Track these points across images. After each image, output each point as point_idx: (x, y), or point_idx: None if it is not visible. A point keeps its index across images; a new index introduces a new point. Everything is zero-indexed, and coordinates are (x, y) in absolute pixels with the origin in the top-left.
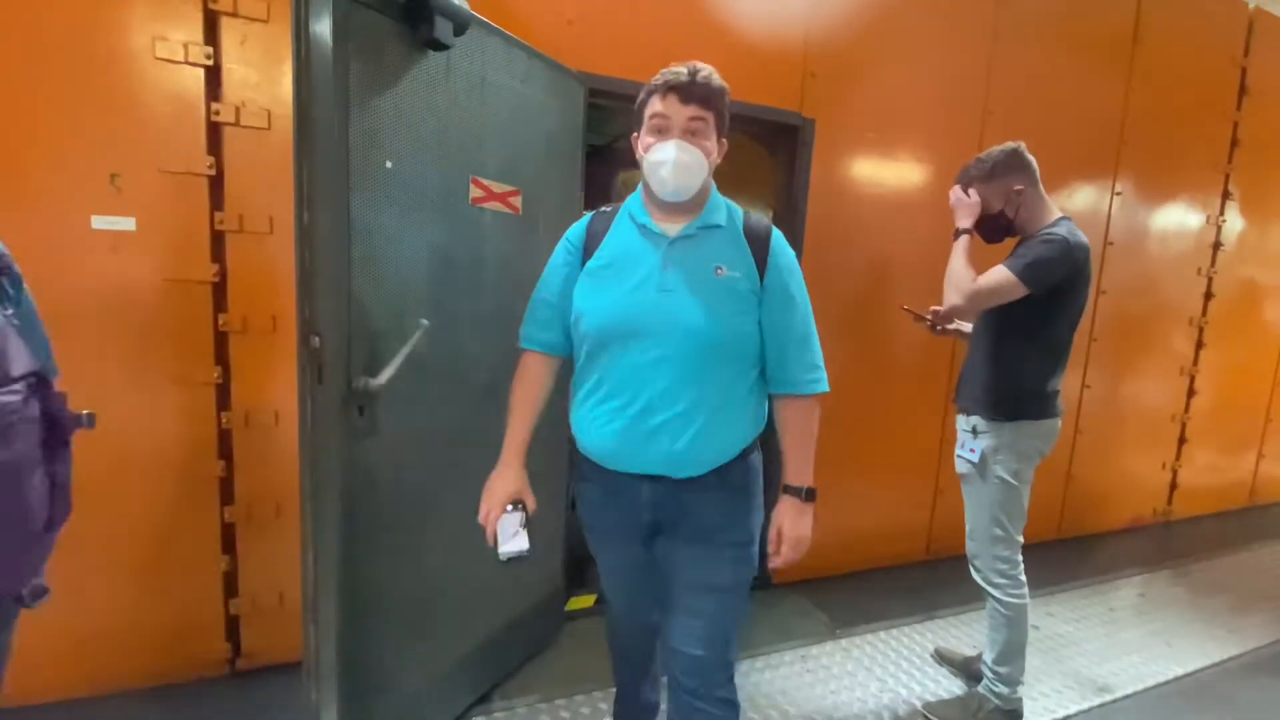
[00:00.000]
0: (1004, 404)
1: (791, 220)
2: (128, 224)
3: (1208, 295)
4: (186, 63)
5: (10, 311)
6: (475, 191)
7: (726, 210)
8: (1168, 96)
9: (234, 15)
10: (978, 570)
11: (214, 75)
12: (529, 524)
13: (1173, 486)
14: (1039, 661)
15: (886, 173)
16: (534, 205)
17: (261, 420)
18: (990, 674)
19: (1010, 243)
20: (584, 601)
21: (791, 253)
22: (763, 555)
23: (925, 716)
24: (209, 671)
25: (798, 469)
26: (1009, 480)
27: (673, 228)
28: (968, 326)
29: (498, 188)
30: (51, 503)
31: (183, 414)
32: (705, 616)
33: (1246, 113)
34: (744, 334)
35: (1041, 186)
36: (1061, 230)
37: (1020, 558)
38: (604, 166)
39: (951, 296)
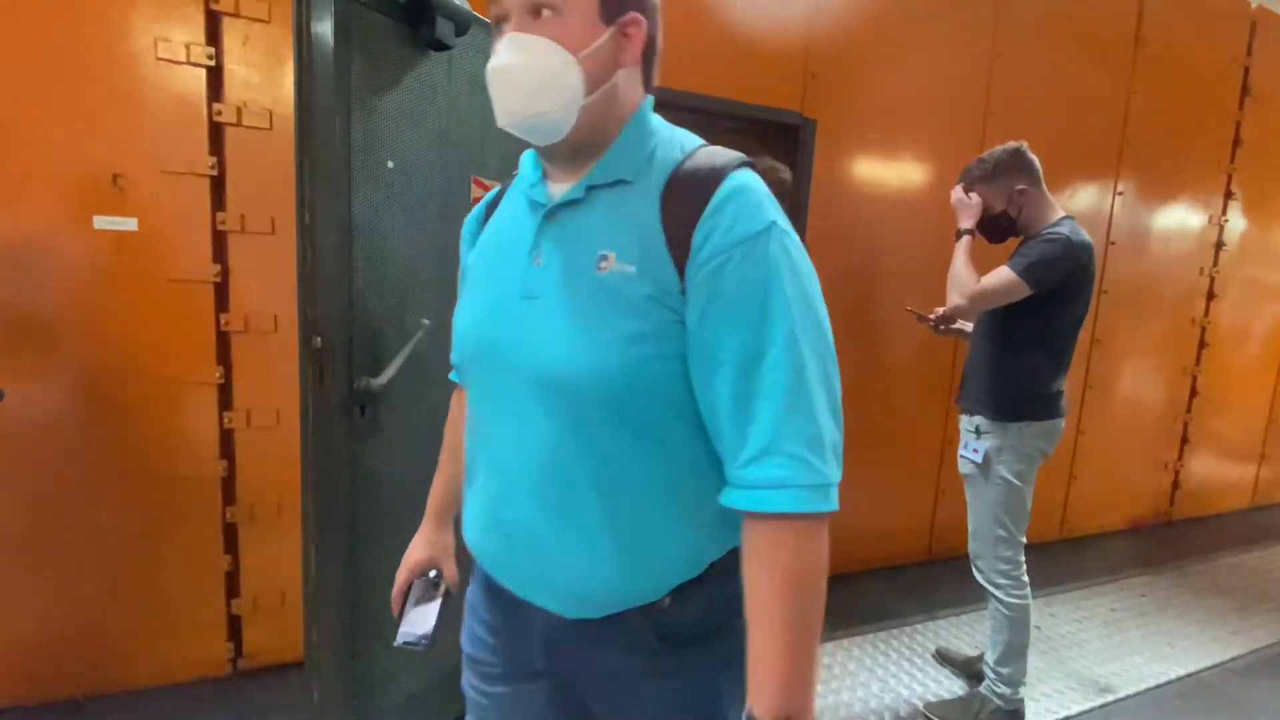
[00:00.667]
0: (1008, 404)
1: (793, 221)
2: (130, 224)
3: (1210, 295)
4: (188, 63)
5: None
6: (477, 191)
7: (652, 154)
8: (1170, 96)
9: (236, 16)
10: (980, 571)
11: (216, 76)
12: (447, 600)
13: (1175, 487)
14: (1041, 662)
15: (888, 173)
16: None
17: (263, 420)
18: (992, 674)
19: (1014, 243)
20: None
21: (765, 224)
22: None
23: (927, 717)
24: (211, 671)
25: (762, 674)
26: (1012, 481)
27: (558, 190)
28: (969, 326)
29: None
30: None
31: (184, 414)
32: None
33: (1249, 112)
34: (650, 378)
35: (1044, 186)
36: (1064, 229)
37: (1023, 558)
38: None
39: (954, 297)
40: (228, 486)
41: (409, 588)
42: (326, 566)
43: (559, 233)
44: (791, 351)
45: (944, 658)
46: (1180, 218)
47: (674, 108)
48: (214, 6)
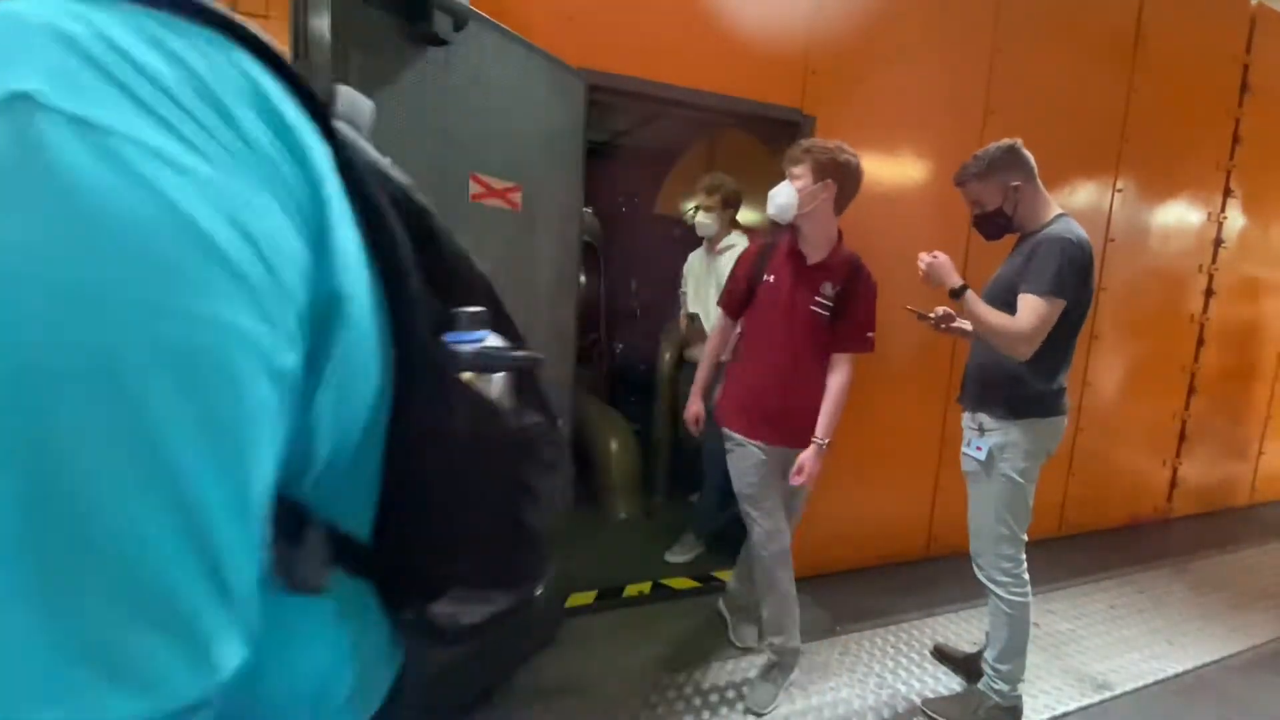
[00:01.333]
0: (1012, 402)
1: None
2: None
3: (1209, 292)
4: None
5: None
6: (475, 188)
7: None
8: (1169, 93)
9: (233, 10)
10: (981, 568)
11: None
12: None
13: (1173, 484)
14: (1039, 658)
15: (887, 170)
16: (534, 202)
17: None
18: (991, 671)
19: (1010, 240)
20: (584, 598)
21: None
22: None
23: (925, 713)
24: None
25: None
26: (1016, 478)
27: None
28: (970, 325)
29: (498, 184)
30: None
31: None
32: None
33: (1248, 110)
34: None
35: (1039, 182)
36: (1061, 230)
37: (1024, 556)
38: (605, 163)
39: (1018, 349)
40: None
41: None
42: None
43: None
44: None
45: (942, 654)
46: (1179, 215)
47: (673, 104)
48: None
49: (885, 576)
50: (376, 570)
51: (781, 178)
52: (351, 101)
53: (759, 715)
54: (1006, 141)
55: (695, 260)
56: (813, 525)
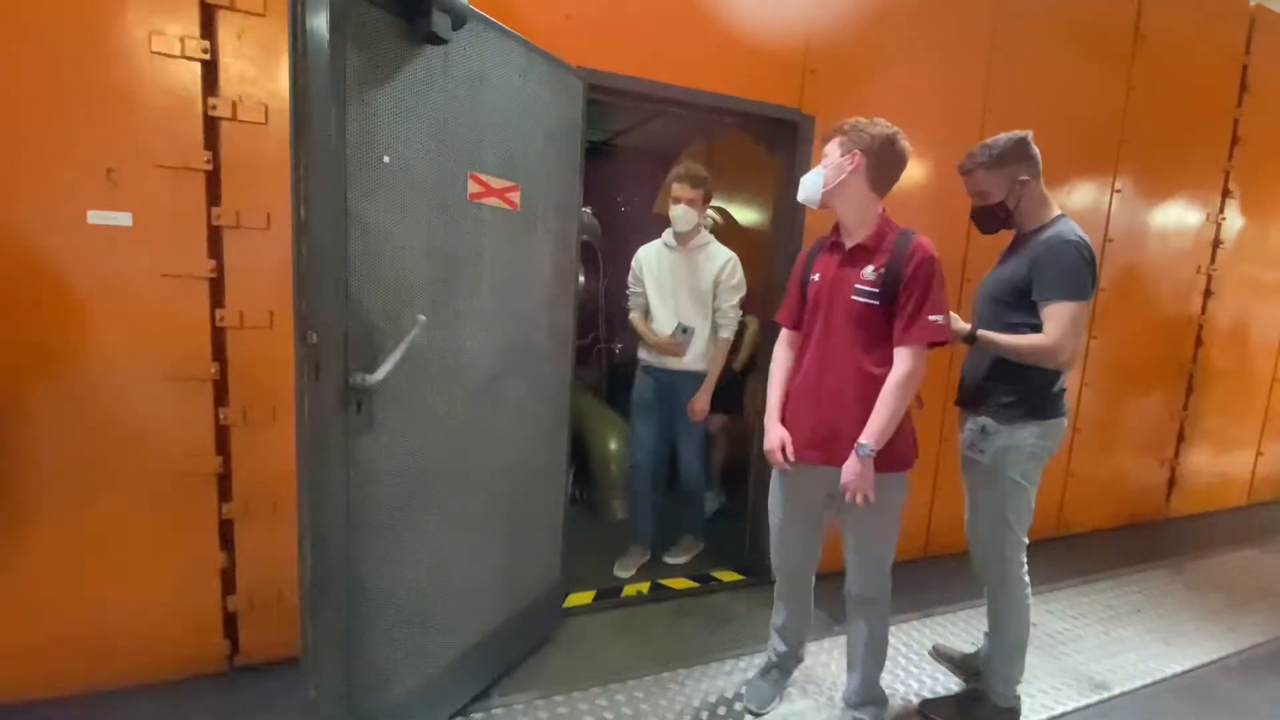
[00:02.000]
0: (1015, 404)
1: (791, 218)
2: (124, 219)
3: (1207, 293)
4: (183, 57)
5: None
6: (473, 187)
7: None
8: (1168, 93)
9: (231, 9)
10: (981, 569)
11: (211, 69)
12: None
13: (1171, 484)
14: (1037, 658)
15: None
16: (533, 201)
17: (259, 416)
18: (989, 672)
19: (1004, 236)
20: (583, 598)
21: None
22: None
23: (923, 714)
24: (207, 668)
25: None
26: (1019, 480)
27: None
28: (965, 327)
29: (496, 183)
30: None
31: (180, 410)
32: None
33: (1247, 110)
34: None
35: (1043, 182)
36: (1067, 232)
37: (1024, 558)
38: (603, 162)
39: (1059, 360)
40: (223, 483)
41: None
42: (323, 563)
43: None
44: None
45: (940, 655)
46: (1178, 215)
47: (672, 103)
48: (209, 0)
49: None
50: None
51: (777, 178)
52: None
53: (756, 715)
54: (1018, 133)
55: (656, 257)
56: None
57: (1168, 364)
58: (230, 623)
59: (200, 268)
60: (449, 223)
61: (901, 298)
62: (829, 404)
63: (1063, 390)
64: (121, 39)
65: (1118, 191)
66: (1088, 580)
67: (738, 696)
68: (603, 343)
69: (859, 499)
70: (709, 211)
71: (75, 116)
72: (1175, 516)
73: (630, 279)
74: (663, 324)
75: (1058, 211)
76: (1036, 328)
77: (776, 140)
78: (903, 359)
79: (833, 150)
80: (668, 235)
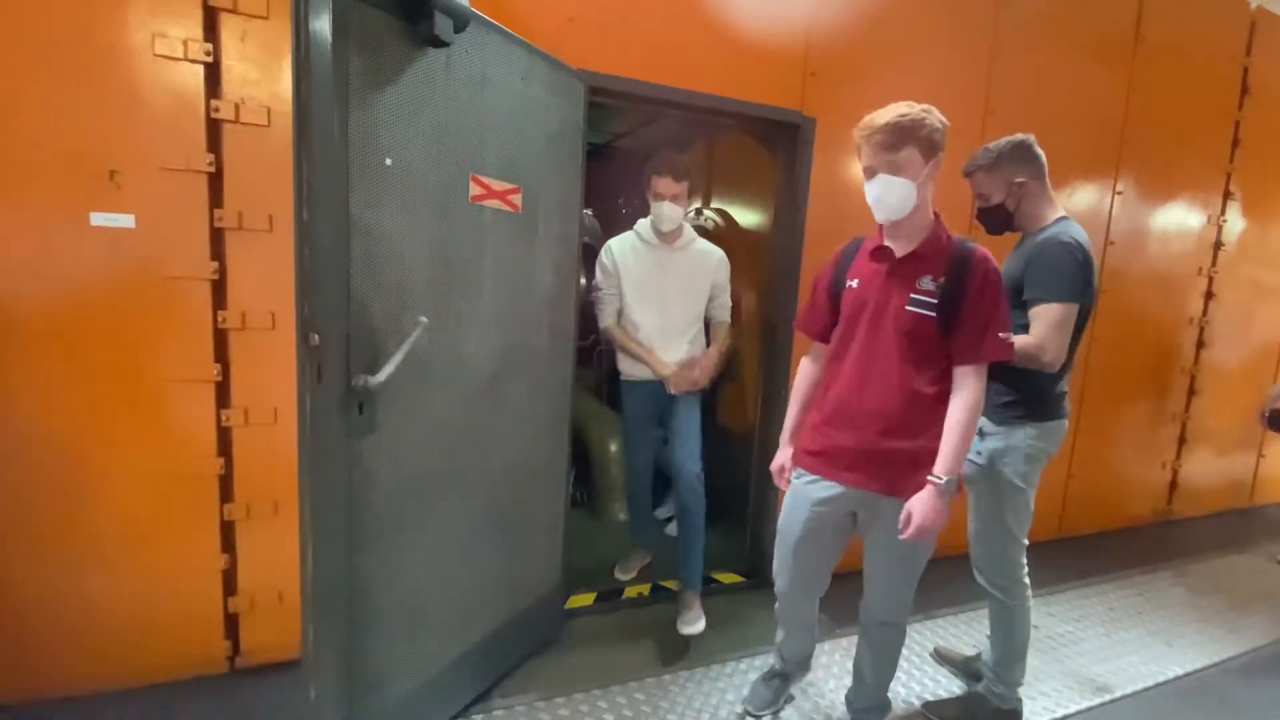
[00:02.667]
0: (1013, 407)
1: (792, 219)
2: (127, 221)
3: (1208, 295)
4: (186, 59)
5: None
6: (475, 189)
7: None
8: (1169, 96)
9: (234, 12)
10: (981, 571)
11: (213, 72)
12: None
13: (1172, 486)
14: (1038, 661)
15: None
16: (534, 203)
17: (261, 418)
18: (991, 674)
19: (1011, 238)
20: (584, 599)
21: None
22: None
23: (925, 716)
24: (208, 669)
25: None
26: (1017, 483)
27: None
28: None
29: (498, 185)
30: None
31: (182, 411)
32: None
33: (1248, 112)
34: None
35: (1048, 182)
36: (1061, 233)
37: (1025, 560)
38: (604, 165)
39: (1043, 361)
40: (225, 484)
41: None
42: (324, 564)
43: None
44: None
45: (942, 657)
46: (1179, 217)
47: (673, 106)
48: (211, 3)
49: None
50: None
51: (778, 180)
52: None
53: (756, 717)
54: (1019, 136)
55: (633, 254)
56: None
57: (1169, 365)
58: (231, 623)
59: (203, 269)
60: (451, 225)
61: (966, 312)
62: (873, 424)
63: (1064, 393)
64: (124, 42)
65: (1119, 193)
66: (1089, 582)
67: (739, 698)
68: (603, 344)
69: (924, 535)
70: (708, 212)
71: (78, 119)
72: (1177, 519)
73: (599, 275)
74: (649, 331)
75: (1061, 213)
76: (1025, 327)
77: (778, 142)
78: (971, 379)
79: (913, 157)
80: (645, 230)
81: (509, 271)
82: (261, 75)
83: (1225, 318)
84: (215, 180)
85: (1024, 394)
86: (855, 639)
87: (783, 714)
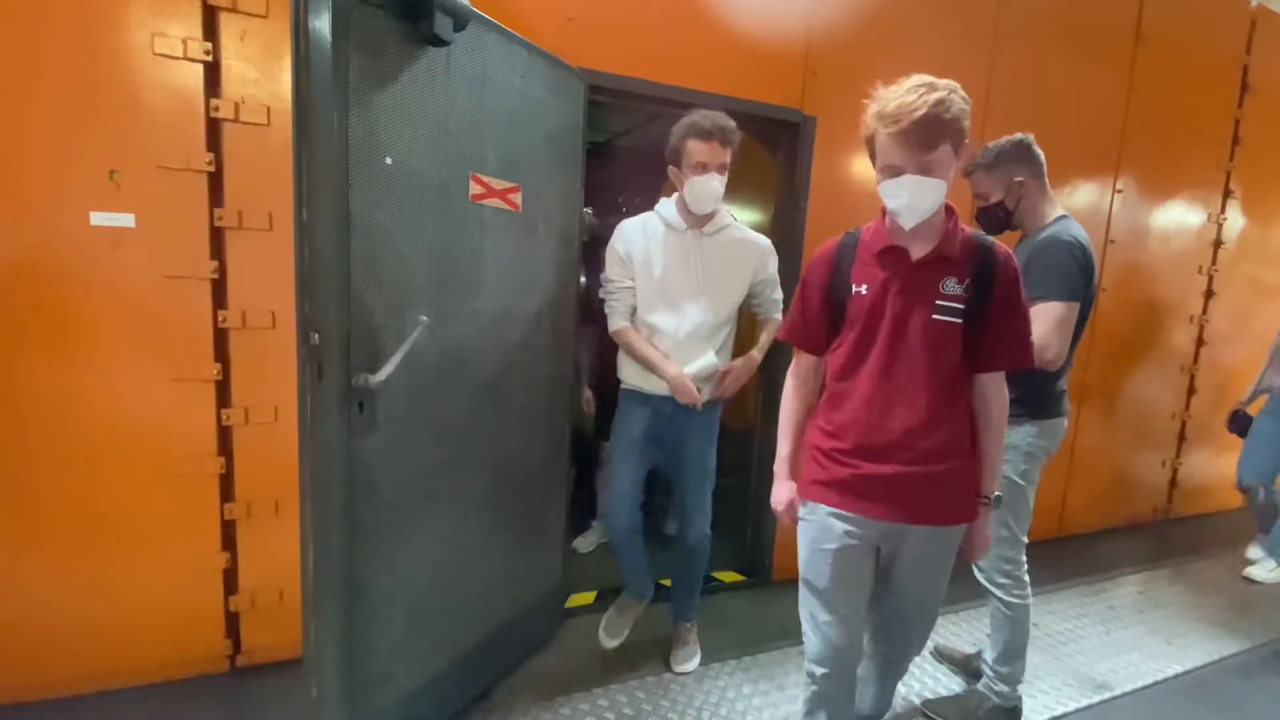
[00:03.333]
0: (1013, 405)
1: (792, 218)
2: (127, 220)
3: (1208, 293)
4: (185, 58)
5: None
6: (475, 188)
7: None
8: (1169, 94)
9: (233, 11)
10: (981, 570)
11: (213, 71)
12: None
13: (1172, 484)
14: (1038, 659)
15: None
16: (534, 202)
17: (261, 417)
18: (991, 672)
19: (1012, 237)
20: (584, 598)
21: None
22: None
23: (925, 714)
24: (209, 668)
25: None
26: (1017, 481)
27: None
28: None
29: (498, 184)
30: None
31: (182, 410)
32: None
33: (1248, 111)
34: None
35: (1047, 182)
36: (1060, 232)
37: (1024, 558)
38: (604, 164)
39: (1044, 359)
40: (226, 483)
41: None
42: (325, 563)
43: None
44: None
45: (942, 655)
46: (1179, 216)
47: (674, 104)
48: (211, 2)
49: None
50: None
51: (778, 178)
52: None
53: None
54: (1018, 135)
55: (658, 241)
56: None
57: (1169, 364)
58: (232, 622)
59: (203, 268)
60: (451, 224)
61: (995, 316)
62: (901, 451)
63: (1063, 391)
64: (124, 41)
65: (1119, 192)
66: (1089, 581)
67: (739, 696)
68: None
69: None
70: None
71: (78, 118)
72: (1177, 517)
73: (610, 267)
74: (667, 337)
75: (1060, 213)
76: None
77: (778, 141)
78: (999, 385)
79: (946, 154)
80: (669, 212)
81: (509, 270)
82: (261, 74)
83: (1225, 316)
84: (215, 179)
85: (1024, 392)
86: None
87: (783, 714)
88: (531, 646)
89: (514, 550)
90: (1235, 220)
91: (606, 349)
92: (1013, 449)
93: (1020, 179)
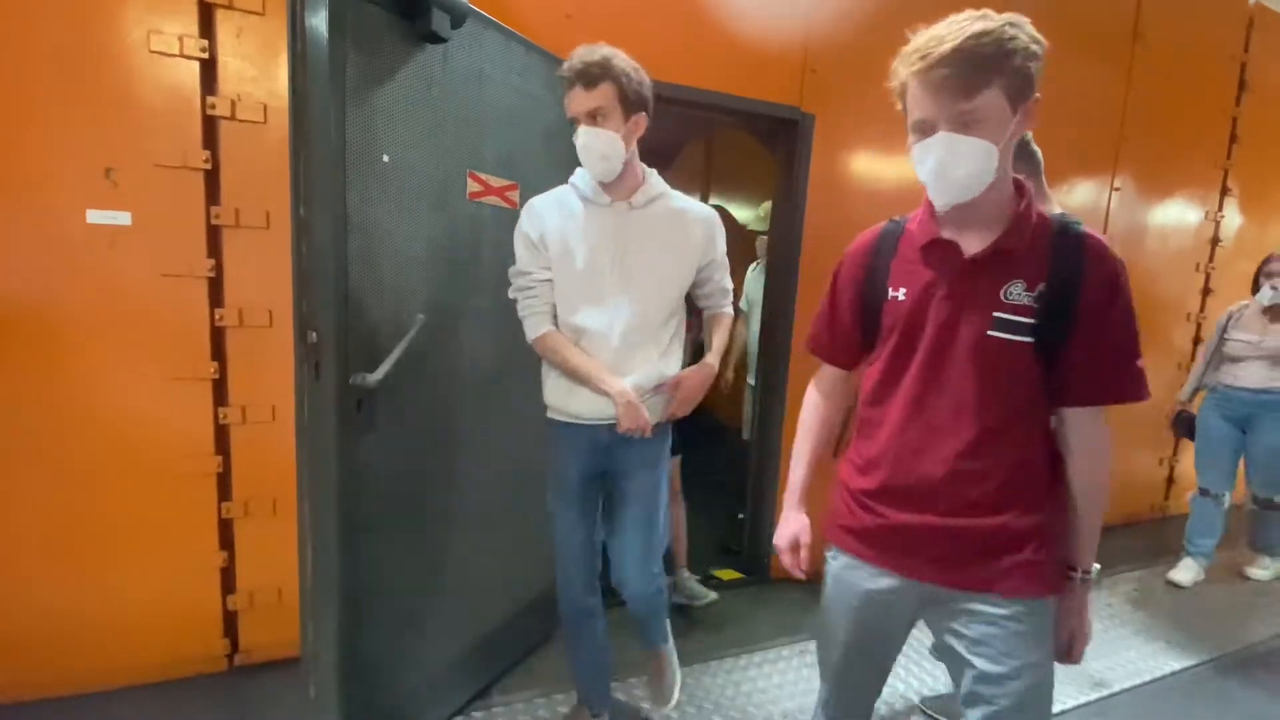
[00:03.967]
0: None
1: (790, 216)
2: (123, 218)
3: (1206, 291)
4: (182, 56)
5: None
6: (473, 186)
7: None
8: (1167, 92)
9: (230, 8)
10: None
11: (209, 69)
12: None
13: (1169, 482)
14: None
15: (886, 168)
16: None
17: (258, 416)
18: None
19: None
20: None
21: None
22: None
23: (923, 711)
24: (207, 667)
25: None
26: None
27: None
28: None
29: (495, 182)
30: None
31: (179, 409)
32: None
33: (1246, 109)
34: None
35: (1044, 180)
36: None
37: None
38: None
39: None
40: (223, 482)
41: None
42: (323, 562)
43: None
44: None
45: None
46: (1177, 213)
47: (672, 102)
48: None
49: None
50: None
51: (777, 177)
52: None
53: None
54: None
55: (576, 220)
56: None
57: (1167, 361)
58: (230, 622)
59: (199, 267)
60: (449, 222)
61: (1083, 333)
62: (942, 495)
63: None
64: (120, 38)
65: (1117, 190)
66: None
67: (738, 694)
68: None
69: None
70: None
71: (74, 116)
72: (1173, 515)
73: (520, 256)
74: (596, 339)
75: (1056, 211)
76: None
77: (777, 139)
78: (1095, 424)
79: (995, 103)
80: (584, 183)
81: (507, 269)
82: (258, 72)
83: (1223, 313)
84: (212, 177)
85: None
86: None
87: (780, 711)
88: (531, 644)
89: (512, 548)
90: (1233, 218)
91: None
92: None
93: (1018, 177)
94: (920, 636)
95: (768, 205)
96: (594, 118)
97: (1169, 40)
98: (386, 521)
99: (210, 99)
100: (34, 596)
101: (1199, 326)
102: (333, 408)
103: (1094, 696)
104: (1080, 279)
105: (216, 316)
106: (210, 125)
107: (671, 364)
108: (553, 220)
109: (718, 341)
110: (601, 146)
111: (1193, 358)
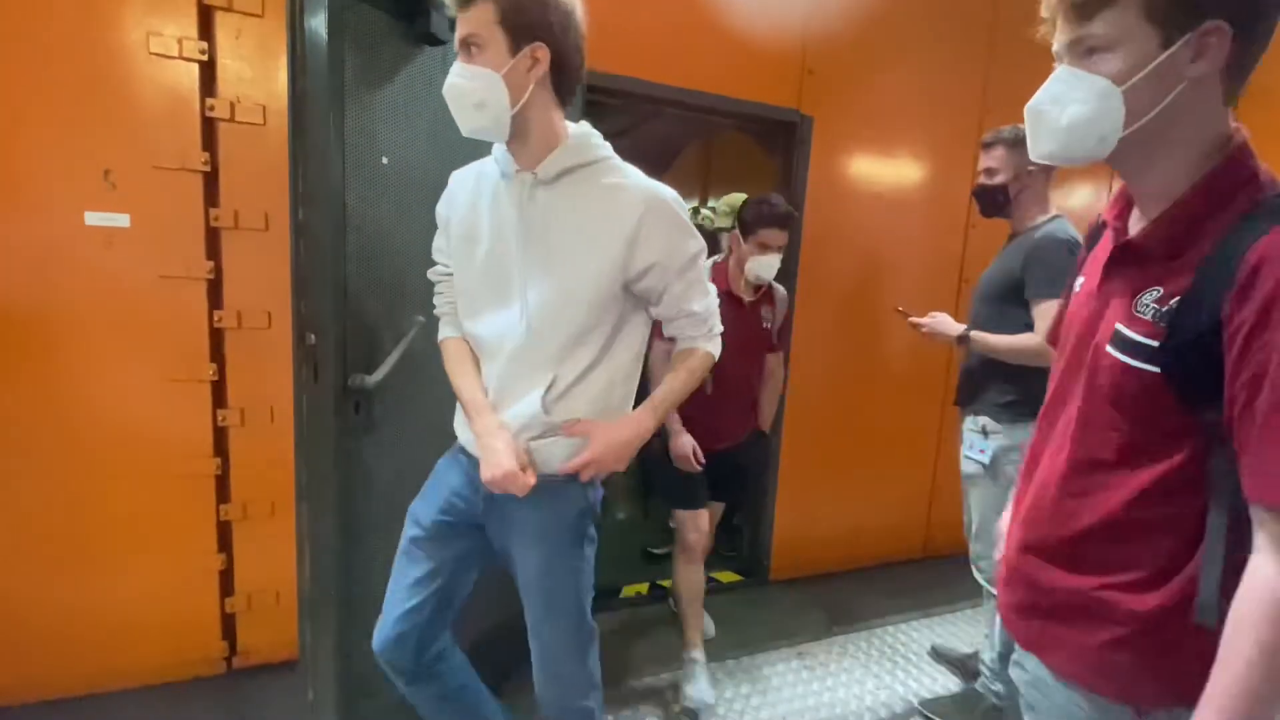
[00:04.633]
0: (1014, 404)
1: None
2: (122, 220)
3: None
4: (181, 58)
5: None
6: None
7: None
8: None
9: (229, 10)
10: (981, 571)
11: (209, 70)
12: None
13: None
14: None
15: (884, 170)
16: None
17: (257, 417)
18: (988, 672)
19: (1001, 227)
20: None
21: None
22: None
23: (922, 714)
24: (205, 670)
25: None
26: (1017, 480)
27: None
28: (955, 331)
29: None
30: None
31: (178, 411)
32: None
33: (1244, 109)
34: None
35: (1050, 182)
36: (1058, 231)
37: None
38: None
39: (1046, 359)
40: (221, 484)
41: None
42: (321, 564)
43: None
44: None
45: (939, 655)
46: None
47: (671, 104)
48: (206, 1)
49: (883, 578)
50: None
51: (776, 178)
52: None
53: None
54: None
55: (485, 195)
56: (811, 526)
57: None
58: (228, 624)
59: (198, 269)
60: None
61: (1232, 367)
62: (1022, 553)
63: None
64: (119, 40)
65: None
66: None
67: (737, 696)
68: None
69: None
70: (705, 210)
71: (73, 118)
72: None
73: (439, 235)
74: (492, 362)
75: (1054, 212)
76: (1029, 326)
77: (775, 141)
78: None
79: (1128, 29)
80: (504, 156)
81: None
82: (257, 74)
83: None
84: (210, 179)
85: (1027, 392)
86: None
87: (781, 713)
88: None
89: None
90: None
91: None
92: (1018, 450)
93: (1032, 169)
94: (920, 640)
95: (732, 199)
96: (468, 49)
97: None
98: (385, 523)
99: (209, 101)
100: (32, 598)
101: None
102: (331, 409)
103: None
104: (1226, 289)
105: (215, 318)
106: (209, 127)
107: (584, 400)
108: (463, 197)
109: (666, 386)
110: (476, 90)
111: None
